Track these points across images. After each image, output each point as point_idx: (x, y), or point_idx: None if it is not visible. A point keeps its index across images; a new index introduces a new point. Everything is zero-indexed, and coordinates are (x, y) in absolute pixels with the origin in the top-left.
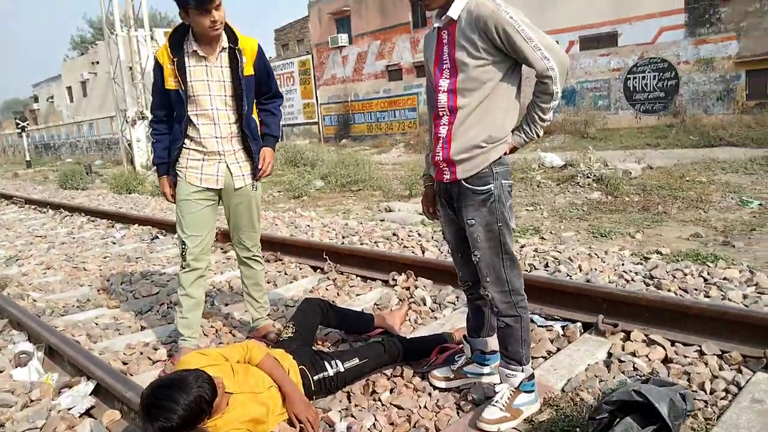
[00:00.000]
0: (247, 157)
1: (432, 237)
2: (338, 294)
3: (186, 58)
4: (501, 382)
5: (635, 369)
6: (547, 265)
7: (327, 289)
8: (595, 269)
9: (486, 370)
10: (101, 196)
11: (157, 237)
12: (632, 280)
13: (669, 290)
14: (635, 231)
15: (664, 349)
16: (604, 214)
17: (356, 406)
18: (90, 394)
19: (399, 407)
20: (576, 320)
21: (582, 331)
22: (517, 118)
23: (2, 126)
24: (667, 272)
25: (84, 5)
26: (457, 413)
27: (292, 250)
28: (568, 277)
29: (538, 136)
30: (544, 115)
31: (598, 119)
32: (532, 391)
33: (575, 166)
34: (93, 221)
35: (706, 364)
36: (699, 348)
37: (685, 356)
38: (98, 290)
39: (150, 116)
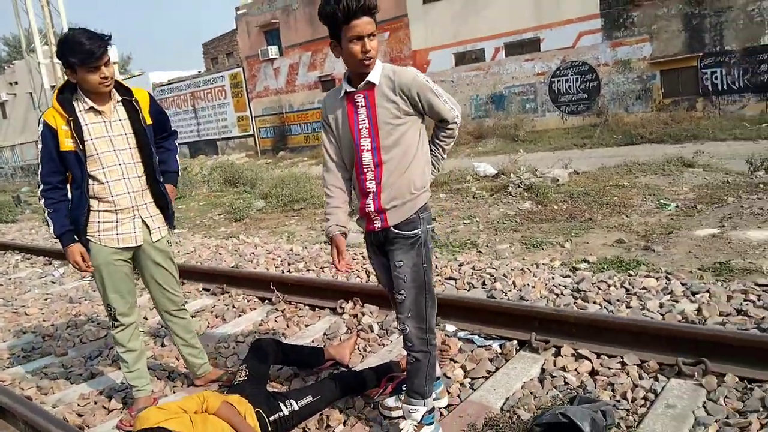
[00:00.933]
0: (157, 208)
1: None
2: (287, 326)
3: (81, 117)
4: (405, 419)
5: (566, 383)
6: (484, 283)
7: (276, 321)
8: (528, 285)
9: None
10: (34, 230)
11: None
12: (562, 294)
13: (595, 302)
14: (564, 240)
15: (591, 362)
16: (536, 223)
17: None
18: None
19: None
20: (512, 338)
21: (518, 348)
22: (429, 164)
23: None
24: (592, 284)
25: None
26: None
27: (240, 282)
28: (504, 295)
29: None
30: (445, 154)
31: (526, 122)
32: (432, 423)
33: (507, 176)
34: (28, 258)
35: (627, 374)
36: (621, 359)
37: (609, 368)
38: (43, 336)
39: (40, 185)
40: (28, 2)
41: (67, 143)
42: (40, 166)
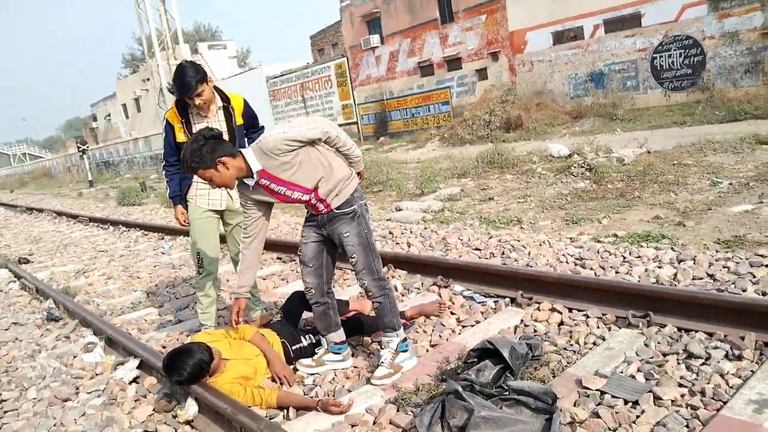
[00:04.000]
0: None
1: (420, 234)
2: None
3: (191, 118)
4: (383, 348)
5: (535, 331)
6: (503, 253)
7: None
8: (540, 254)
9: (339, 357)
10: (153, 211)
11: None
12: (566, 261)
13: (591, 268)
14: (603, 216)
15: (561, 315)
16: (584, 202)
17: None
18: (136, 368)
19: (355, 366)
20: (505, 296)
21: (507, 304)
22: (340, 159)
23: (66, 146)
24: (596, 253)
25: (133, 24)
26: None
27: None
28: (515, 262)
29: (359, 155)
30: (347, 143)
31: (626, 100)
32: (407, 349)
33: (581, 155)
34: (146, 235)
35: (587, 324)
36: (586, 313)
37: (574, 320)
38: (147, 294)
39: (163, 162)
40: (148, 11)
41: (181, 136)
42: (163, 150)
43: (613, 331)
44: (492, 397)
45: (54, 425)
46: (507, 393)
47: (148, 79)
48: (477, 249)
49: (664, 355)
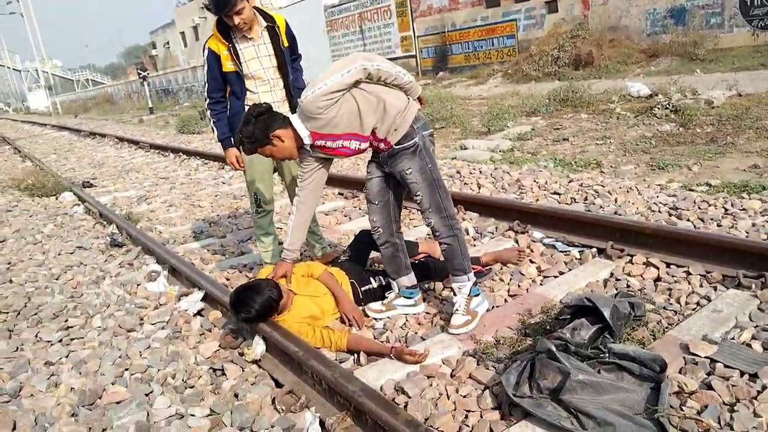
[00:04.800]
0: None
1: (491, 174)
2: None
3: (236, 43)
4: (456, 295)
5: (628, 286)
6: (586, 199)
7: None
8: (629, 201)
9: (411, 302)
10: (213, 140)
11: None
12: (659, 211)
13: (688, 220)
14: (693, 163)
15: (658, 270)
16: (671, 146)
17: None
18: (201, 300)
19: (427, 312)
20: (592, 246)
21: (594, 255)
22: (392, 89)
23: (127, 73)
24: (694, 203)
25: None
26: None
27: (356, 185)
28: (601, 209)
29: (410, 80)
30: (392, 72)
31: (709, 39)
32: (479, 293)
33: (660, 96)
34: (206, 164)
35: (689, 282)
36: (687, 269)
37: (673, 276)
38: (209, 223)
39: (207, 99)
40: None
41: (228, 65)
42: (207, 84)
43: (720, 291)
44: (589, 359)
45: (119, 357)
46: (606, 356)
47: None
48: (556, 193)
49: None
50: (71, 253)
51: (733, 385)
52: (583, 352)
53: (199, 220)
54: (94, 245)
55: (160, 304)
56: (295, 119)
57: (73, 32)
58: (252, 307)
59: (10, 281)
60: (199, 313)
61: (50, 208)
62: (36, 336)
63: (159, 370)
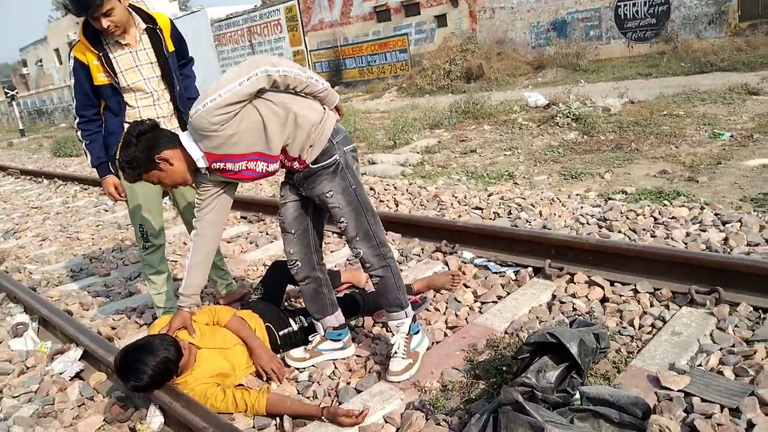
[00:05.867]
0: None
1: (407, 190)
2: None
3: (109, 50)
4: (393, 335)
5: (574, 309)
6: (510, 213)
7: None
8: (555, 214)
9: (339, 345)
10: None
11: None
12: (587, 223)
13: (620, 231)
14: (605, 171)
15: (603, 289)
16: (578, 154)
17: None
18: (79, 360)
19: (358, 356)
20: (528, 265)
21: (532, 275)
22: (302, 100)
23: None
24: (621, 213)
25: None
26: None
27: (275, 210)
28: (528, 224)
29: (325, 88)
30: (302, 78)
31: (589, 50)
32: (419, 330)
33: (558, 106)
34: (86, 189)
35: (638, 301)
36: (634, 287)
37: (620, 295)
38: (90, 259)
39: (76, 118)
40: None
41: (100, 78)
42: (75, 101)
43: (673, 310)
44: (558, 406)
45: None
46: (577, 400)
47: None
48: (477, 208)
49: (748, 342)
50: None
51: (718, 424)
52: (552, 398)
53: (78, 255)
54: None
55: (27, 368)
56: (185, 138)
57: None
58: (144, 373)
59: None
60: (78, 375)
61: None
62: None
63: None
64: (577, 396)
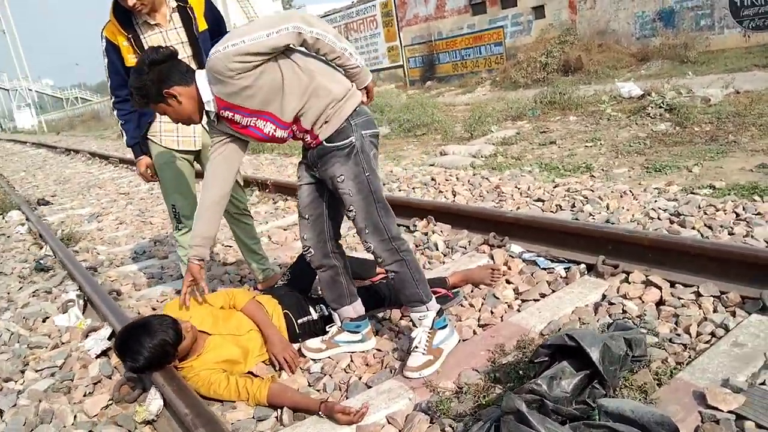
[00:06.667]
0: None
1: (468, 181)
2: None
3: (139, 31)
4: (415, 327)
5: (624, 312)
6: (573, 205)
7: (354, 236)
8: (623, 207)
9: (358, 337)
10: None
11: None
12: (658, 218)
13: (693, 227)
14: (694, 164)
15: (660, 290)
16: (667, 147)
17: None
18: (108, 338)
19: (378, 349)
20: (580, 262)
21: (583, 272)
22: (332, 70)
23: None
24: (698, 208)
25: None
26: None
27: None
28: (591, 217)
29: (358, 64)
30: (336, 47)
31: (699, 41)
32: (445, 325)
33: (652, 96)
34: None
35: (699, 306)
36: (697, 289)
37: (679, 298)
38: (155, 242)
39: (112, 98)
40: None
41: (131, 59)
42: (109, 80)
43: (740, 317)
44: (574, 419)
45: None
46: (596, 413)
47: None
48: (539, 200)
49: None
50: None
51: None
52: (566, 410)
53: (145, 238)
54: (15, 270)
55: (61, 343)
56: (200, 77)
57: (65, 51)
58: (140, 354)
59: None
60: (104, 353)
61: None
62: None
63: None
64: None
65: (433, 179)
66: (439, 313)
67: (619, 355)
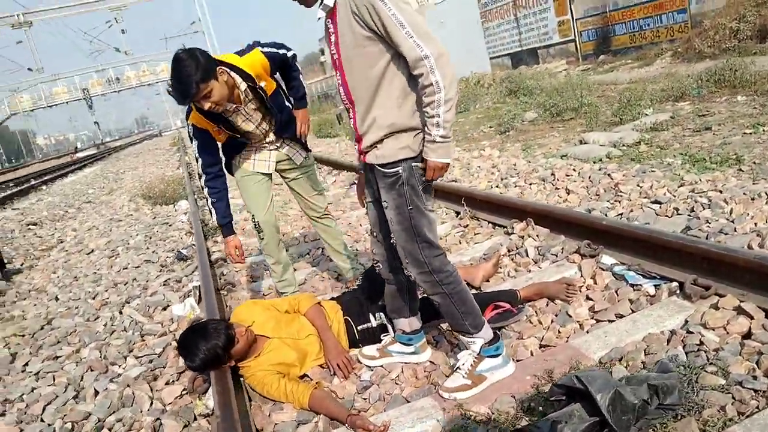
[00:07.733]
0: (292, 138)
1: (588, 177)
2: (459, 242)
3: (223, 115)
4: (462, 349)
5: (700, 344)
6: (692, 210)
7: (454, 236)
8: (747, 214)
9: (410, 349)
10: (341, 142)
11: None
12: None
13: None
14: None
15: (750, 320)
16: None
17: None
18: None
19: (432, 362)
20: (674, 279)
21: (671, 292)
22: (416, 104)
23: None
24: None
25: None
26: None
27: (438, 195)
28: (707, 224)
29: (442, 138)
30: (432, 111)
31: None
32: (498, 354)
33: None
34: (331, 173)
35: None
36: None
37: None
38: (300, 237)
39: (202, 176)
40: None
41: (221, 137)
42: (200, 160)
43: None
44: None
45: (69, 400)
46: None
47: None
48: (657, 202)
49: None
50: (137, 267)
51: None
52: None
53: (282, 233)
54: (160, 259)
55: (169, 332)
56: None
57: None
58: (195, 356)
59: (56, 299)
60: None
61: (159, 217)
62: (24, 366)
63: (99, 419)
64: None
65: (552, 174)
66: (493, 340)
67: (634, 404)
